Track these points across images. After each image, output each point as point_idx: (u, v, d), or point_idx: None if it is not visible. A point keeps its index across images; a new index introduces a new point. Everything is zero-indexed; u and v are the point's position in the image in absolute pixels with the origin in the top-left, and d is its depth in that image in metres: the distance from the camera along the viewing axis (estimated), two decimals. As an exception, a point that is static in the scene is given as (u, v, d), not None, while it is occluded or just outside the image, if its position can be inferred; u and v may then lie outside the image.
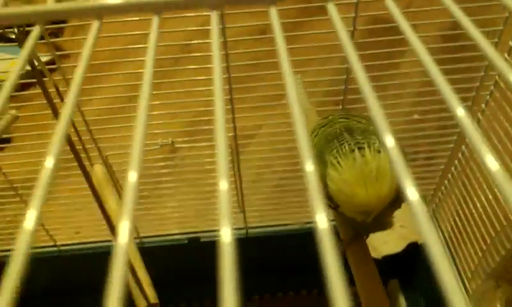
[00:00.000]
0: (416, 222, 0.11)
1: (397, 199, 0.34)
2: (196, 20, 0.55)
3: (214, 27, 0.15)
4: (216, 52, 0.14)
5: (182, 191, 0.78)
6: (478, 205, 0.65)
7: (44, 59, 0.93)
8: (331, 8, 0.16)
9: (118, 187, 0.70)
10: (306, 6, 0.54)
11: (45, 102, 0.48)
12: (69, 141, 0.45)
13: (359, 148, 0.34)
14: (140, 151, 0.14)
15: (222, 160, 0.14)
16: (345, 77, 0.60)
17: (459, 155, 0.70)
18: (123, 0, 0.17)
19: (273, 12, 0.15)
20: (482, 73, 0.61)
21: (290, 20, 0.59)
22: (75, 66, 0.18)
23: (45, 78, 0.49)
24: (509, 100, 0.58)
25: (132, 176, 0.14)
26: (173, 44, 0.67)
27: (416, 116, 0.85)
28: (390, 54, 0.64)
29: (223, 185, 0.13)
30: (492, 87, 0.61)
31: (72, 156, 0.47)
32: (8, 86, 0.15)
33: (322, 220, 0.11)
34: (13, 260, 0.12)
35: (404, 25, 0.17)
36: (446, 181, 0.74)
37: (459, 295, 0.11)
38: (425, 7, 0.56)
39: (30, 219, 0.12)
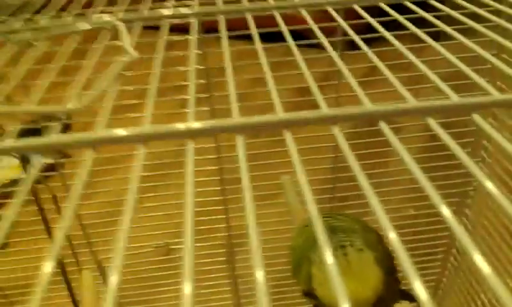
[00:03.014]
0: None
1: (384, 301, 0.34)
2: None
3: (190, 157, 0.17)
4: (189, 185, 0.16)
5: (178, 294, 0.76)
6: (481, 298, 0.63)
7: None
8: (288, 136, 0.18)
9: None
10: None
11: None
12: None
13: (341, 247, 0.35)
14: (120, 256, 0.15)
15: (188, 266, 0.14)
16: (334, 176, 0.62)
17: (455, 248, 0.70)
18: (116, 133, 0.19)
19: (240, 141, 0.17)
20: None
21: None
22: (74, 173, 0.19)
23: (39, 185, 0.51)
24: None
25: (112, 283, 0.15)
26: (168, 150, 0.70)
27: (412, 211, 0.86)
28: (379, 152, 0.67)
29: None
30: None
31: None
32: (8, 218, 0.16)
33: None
34: None
35: (392, 139, 0.18)
36: (445, 278, 0.73)
37: None
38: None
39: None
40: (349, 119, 0.19)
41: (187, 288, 0.14)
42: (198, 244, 0.67)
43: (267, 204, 0.68)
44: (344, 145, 0.17)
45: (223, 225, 0.66)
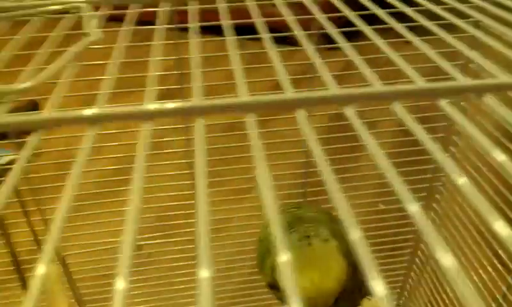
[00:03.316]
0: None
1: (351, 293, 0.34)
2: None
3: (144, 140, 0.16)
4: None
5: (149, 292, 0.75)
6: (447, 292, 0.65)
7: (11, 157, 0.92)
8: (300, 115, 0.17)
9: (75, 290, 0.66)
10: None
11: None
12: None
13: (306, 236, 0.35)
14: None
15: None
16: (307, 170, 0.62)
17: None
18: (65, 114, 0.18)
19: (199, 124, 0.16)
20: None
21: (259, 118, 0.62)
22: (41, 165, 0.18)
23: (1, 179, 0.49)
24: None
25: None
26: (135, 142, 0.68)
27: (381, 206, 0.86)
28: (351, 148, 0.67)
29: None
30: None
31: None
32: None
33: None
34: None
35: (363, 133, 0.18)
36: (413, 272, 0.74)
37: None
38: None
39: None
40: (313, 103, 0.18)
41: (120, 284, 0.13)
42: (170, 240, 0.65)
43: (240, 199, 0.68)
44: (308, 129, 0.17)
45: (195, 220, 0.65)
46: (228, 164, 0.66)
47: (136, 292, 0.75)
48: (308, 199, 0.63)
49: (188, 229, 0.69)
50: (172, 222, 0.69)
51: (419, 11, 0.36)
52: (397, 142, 0.69)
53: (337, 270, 0.33)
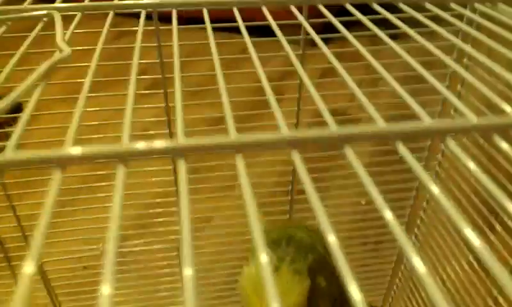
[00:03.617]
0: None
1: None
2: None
3: (118, 184, 0.14)
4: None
5: (134, 298, 0.73)
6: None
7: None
8: (239, 161, 0.15)
9: (53, 298, 0.64)
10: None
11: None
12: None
13: (281, 260, 0.33)
14: None
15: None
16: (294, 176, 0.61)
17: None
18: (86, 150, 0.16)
19: (181, 164, 0.15)
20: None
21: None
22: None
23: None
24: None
25: None
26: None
27: (363, 202, 0.86)
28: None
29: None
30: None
31: None
32: None
33: None
34: None
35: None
36: (397, 280, 0.74)
37: None
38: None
39: None
40: (309, 142, 0.16)
41: (105, 289, 0.12)
42: (152, 239, 0.63)
43: (222, 197, 0.66)
44: (302, 169, 0.15)
45: (176, 218, 0.63)
46: (211, 160, 0.64)
47: (120, 299, 0.73)
48: (294, 205, 0.62)
49: (172, 228, 0.68)
50: (157, 222, 0.67)
51: (401, 18, 0.35)
52: (377, 152, 0.69)
53: (293, 298, 0.32)
